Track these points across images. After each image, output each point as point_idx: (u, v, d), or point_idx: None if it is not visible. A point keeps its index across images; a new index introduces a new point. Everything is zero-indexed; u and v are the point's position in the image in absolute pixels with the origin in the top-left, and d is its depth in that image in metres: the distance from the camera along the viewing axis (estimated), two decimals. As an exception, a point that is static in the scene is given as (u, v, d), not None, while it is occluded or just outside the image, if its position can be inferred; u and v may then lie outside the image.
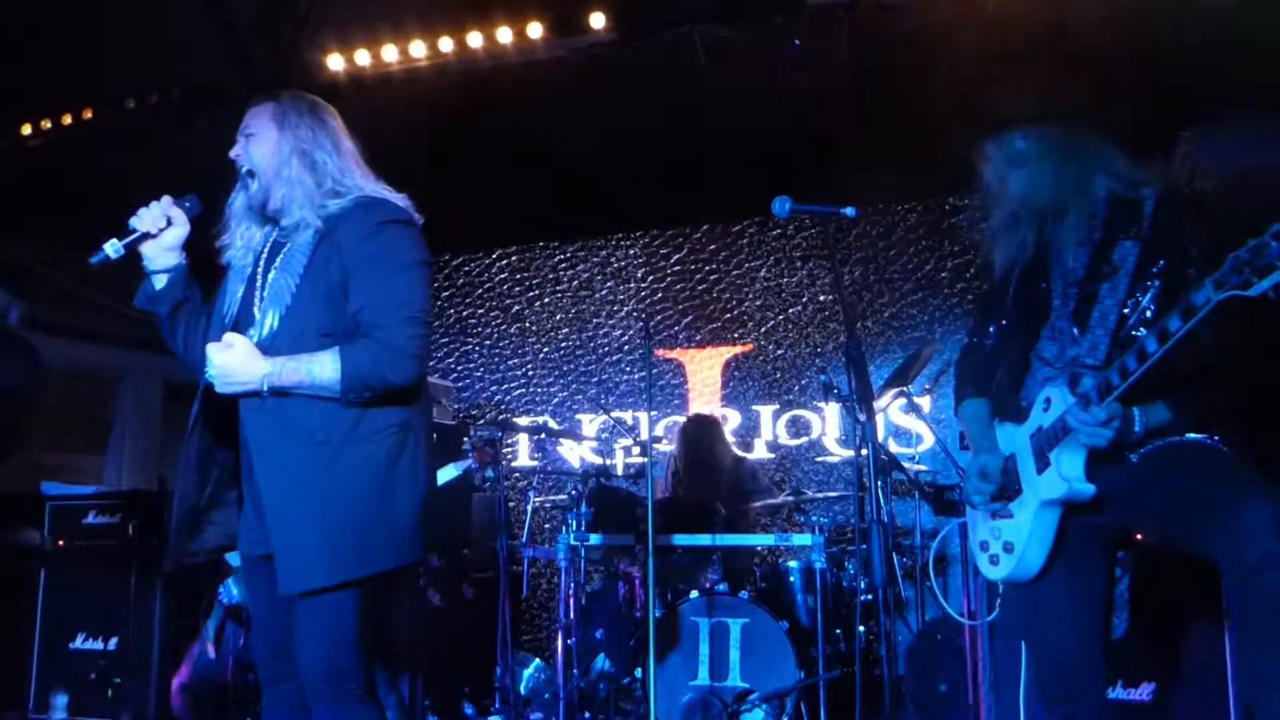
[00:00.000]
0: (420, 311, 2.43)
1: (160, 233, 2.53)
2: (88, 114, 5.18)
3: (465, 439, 5.17)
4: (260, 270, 2.54)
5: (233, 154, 2.55)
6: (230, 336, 2.39)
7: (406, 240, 2.49)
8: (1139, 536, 2.78)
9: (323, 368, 2.34)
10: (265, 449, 2.41)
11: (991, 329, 2.68)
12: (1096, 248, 2.43)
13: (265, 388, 2.35)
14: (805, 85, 4.60)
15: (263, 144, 2.52)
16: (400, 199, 2.55)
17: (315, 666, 2.36)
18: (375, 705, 2.43)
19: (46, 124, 5.25)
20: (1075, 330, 2.42)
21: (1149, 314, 2.31)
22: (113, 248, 2.49)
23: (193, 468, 2.52)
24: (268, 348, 2.42)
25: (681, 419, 6.05)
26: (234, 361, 2.36)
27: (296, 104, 2.57)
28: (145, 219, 2.52)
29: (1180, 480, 2.27)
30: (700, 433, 5.58)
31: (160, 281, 2.58)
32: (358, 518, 2.35)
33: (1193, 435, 2.32)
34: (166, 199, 2.56)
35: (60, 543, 5.20)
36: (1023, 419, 2.50)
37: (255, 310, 2.50)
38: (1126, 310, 2.35)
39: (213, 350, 2.39)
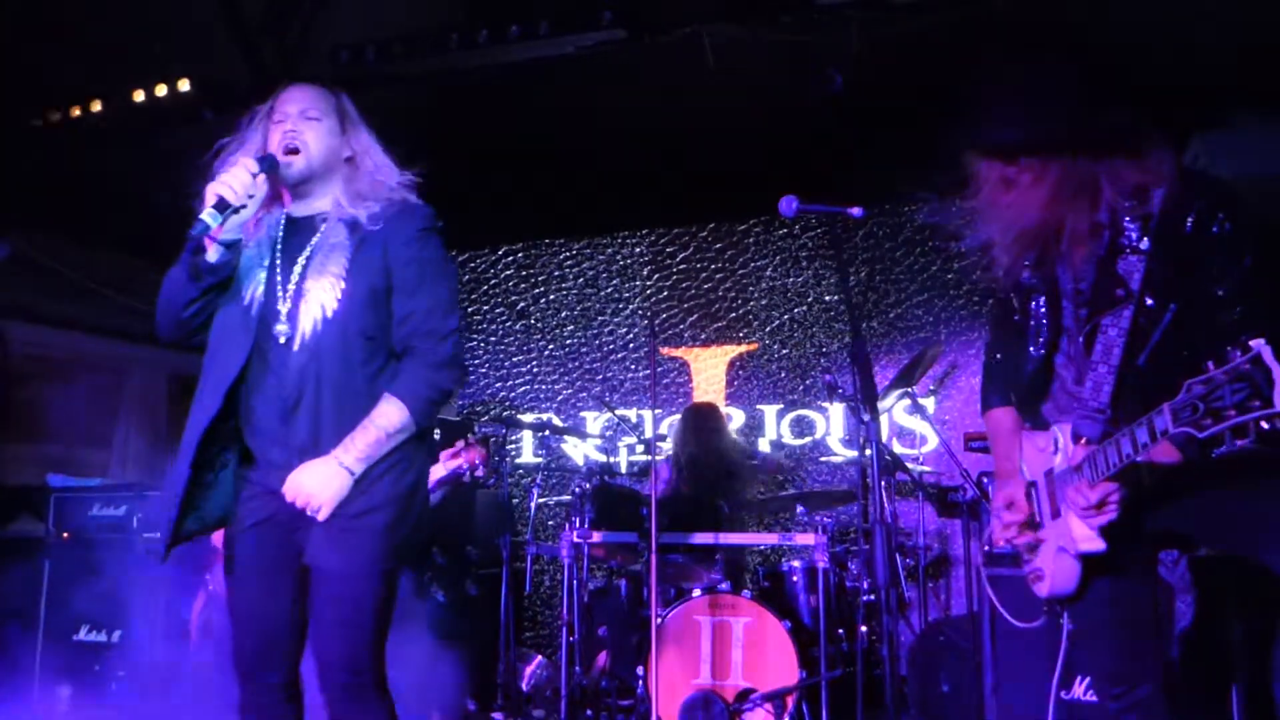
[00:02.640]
0: (459, 321, 2.51)
1: (250, 200, 2.42)
2: (95, 106, 5.18)
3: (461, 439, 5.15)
4: (280, 261, 2.49)
5: (287, 127, 2.48)
6: (297, 472, 2.35)
7: (442, 248, 2.55)
8: (1189, 541, 2.67)
9: (389, 418, 2.38)
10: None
11: (1004, 334, 2.58)
12: (1101, 264, 2.28)
13: (356, 473, 2.36)
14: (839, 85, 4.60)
15: (324, 133, 2.51)
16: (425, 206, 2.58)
17: (338, 653, 2.36)
18: (388, 694, 2.43)
19: (54, 116, 5.25)
20: (1083, 362, 2.31)
21: (1159, 343, 2.18)
22: (212, 217, 2.33)
23: (195, 447, 2.42)
24: (313, 350, 2.41)
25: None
26: (315, 484, 2.33)
27: (351, 104, 2.60)
28: (235, 188, 2.36)
29: (1234, 491, 2.18)
30: (702, 421, 5.57)
31: (216, 254, 2.44)
32: (385, 517, 2.40)
33: (1241, 442, 2.22)
34: (248, 161, 2.41)
35: (65, 535, 5.21)
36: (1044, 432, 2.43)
37: (280, 305, 2.45)
38: (1133, 344, 2.20)
39: (291, 488, 2.35)
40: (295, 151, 2.47)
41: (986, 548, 2.88)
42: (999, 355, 2.60)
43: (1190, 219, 2.18)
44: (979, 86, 2.35)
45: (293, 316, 2.43)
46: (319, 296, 2.42)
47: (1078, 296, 2.34)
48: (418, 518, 2.48)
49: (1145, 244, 2.22)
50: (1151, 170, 2.25)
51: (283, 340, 2.42)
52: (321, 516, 2.34)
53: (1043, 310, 2.41)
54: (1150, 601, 2.41)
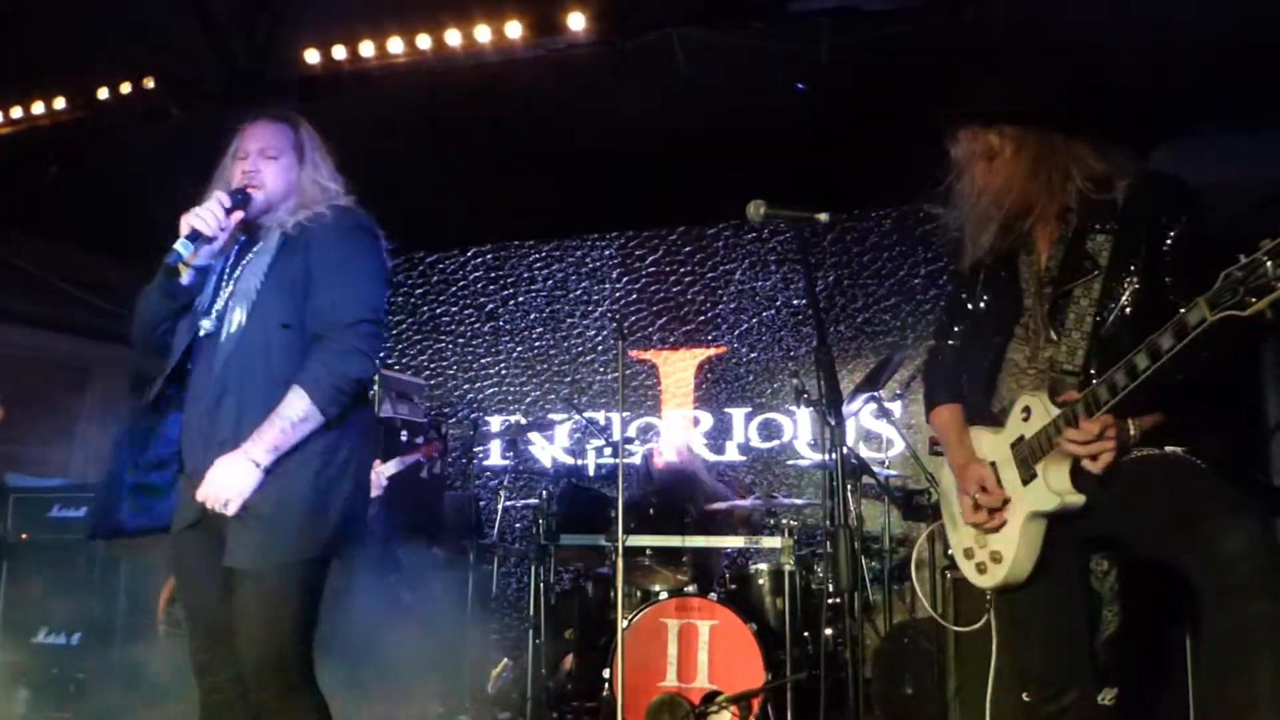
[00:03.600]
0: (375, 313, 2.56)
1: (221, 233, 2.57)
2: (59, 102, 5.12)
3: (418, 436, 5.14)
4: (228, 267, 2.63)
5: (249, 166, 2.63)
6: (209, 471, 2.40)
7: (370, 247, 2.64)
8: (1117, 544, 2.74)
9: (292, 406, 2.42)
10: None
11: (957, 330, 2.64)
12: (1069, 244, 2.38)
13: (264, 466, 2.38)
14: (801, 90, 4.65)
15: (283, 171, 2.65)
16: (361, 211, 2.70)
17: (260, 650, 2.39)
18: (317, 692, 2.46)
19: (16, 111, 5.19)
20: (1051, 333, 2.37)
21: (1127, 311, 2.27)
22: (185, 246, 2.51)
23: (135, 446, 2.57)
24: (237, 341, 2.51)
25: (653, 444, 6.06)
26: (222, 478, 2.37)
27: (310, 134, 2.73)
28: (208, 222, 2.52)
29: (1159, 494, 2.23)
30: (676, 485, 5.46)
31: (188, 277, 2.61)
32: (297, 512, 2.42)
33: (1170, 447, 2.27)
34: (223, 196, 2.57)
35: (24, 536, 5.14)
36: (997, 425, 2.46)
37: (218, 304, 2.58)
38: (1103, 311, 2.29)
39: (201, 488, 2.40)
40: (255, 187, 2.63)
41: (949, 554, 2.90)
42: (947, 357, 2.65)
43: (1153, 217, 2.28)
44: (969, 58, 2.46)
45: (221, 313, 2.55)
46: (243, 294, 2.54)
47: (1045, 274, 2.42)
48: (342, 512, 2.49)
49: (1112, 226, 2.33)
50: (1117, 163, 2.37)
51: (203, 333, 2.55)
52: (230, 511, 2.37)
53: (1004, 295, 2.48)
54: (1081, 607, 2.45)
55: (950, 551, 2.69)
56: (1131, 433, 2.23)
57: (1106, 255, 2.32)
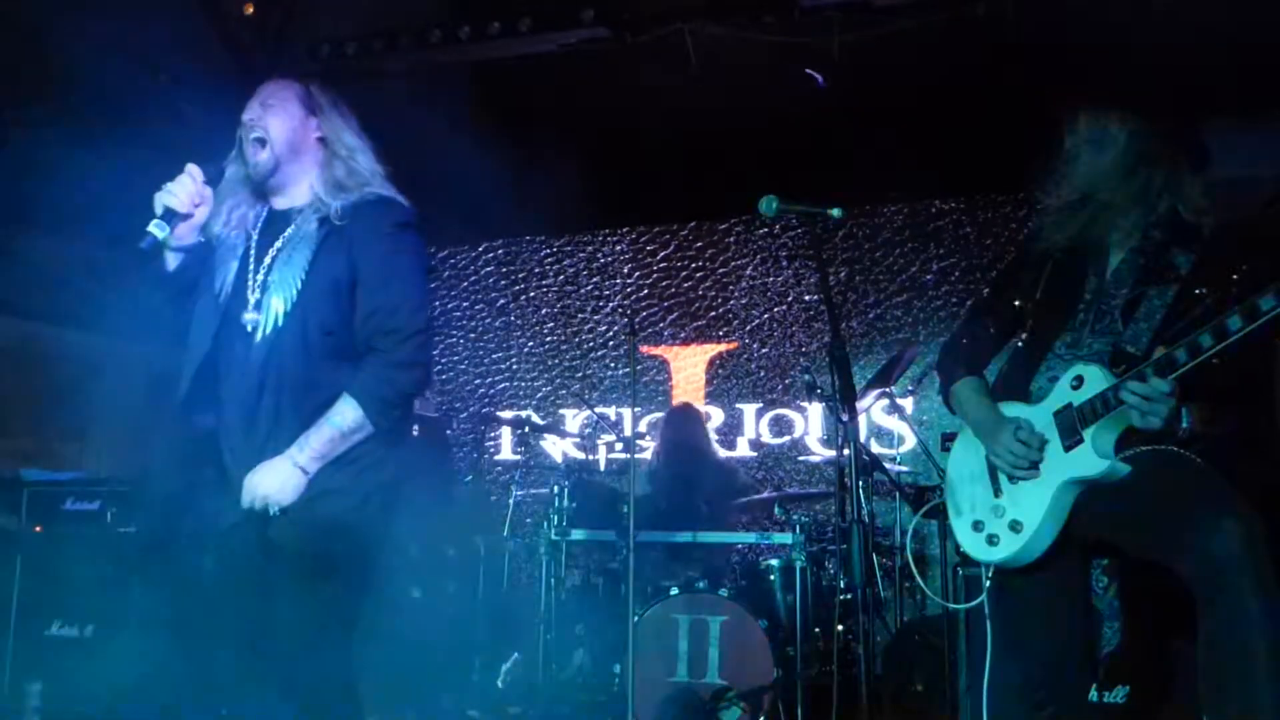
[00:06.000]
0: (428, 322, 2.46)
1: (195, 208, 2.45)
2: (74, 98, 5.14)
3: None
4: (254, 250, 2.50)
5: (247, 117, 2.50)
6: (252, 474, 2.33)
7: (417, 245, 2.53)
8: (1114, 548, 2.73)
9: (343, 416, 2.34)
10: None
11: (990, 323, 2.65)
12: (1151, 254, 2.40)
13: (311, 473, 2.33)
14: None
15: (284, 119, 2.50)
16: (405, 201, 2.56)
17: (303, 653, 2.34)
18: (356, 699, 2.41)
19: (30, 107, 5.21)
20: (1117, 322, 2.38)
21: (1199, 317, 2.25)
22: (159, 227, 2.38)
23: (176, 448, 2.52)
24: (275, 339, 2.40)
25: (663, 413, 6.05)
26: (268, 482, 2.30)
27: (323, 91, 2.59)
28: (180, 196, 2.42)
29: (1152, 494, 2.23)
30: (683, 422, 5.58)
31: (174, 260, 2.49)
32: (337, 504, 2.37)
33: (1161, 446, 2.27)
34: (194, 169, 2.45)
35: (38, 528, 5.16)
36: (1032, 401, 2.45)
37: (249, 294, 2.45)
38: (1173, 313, 2.30)
39: (246, 490, 2.33)
40: (261, 142, 2.48)
41: (960, 551, 2.90)
42: (976, 342, 2.64)
43: (1226, 262, 2.29)
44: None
45: (259, 306, 2.43)
46: (282, 288, 2.41)
47: (1118, 273, 2.44)
48: (379, 516, 2.44)
49: (1196, 248, 2.36)
50: (1209, 198, 2.41)
51: (249, 329, 2.42)
52: (272, 510, 2.31)
53: (1066, 287, 2.49)
54: (1078, 621, 2.46)
55: (955, 534, 2.64)
56: (1184, 423, 2.22)
57: (1187, 269, 2.33)
